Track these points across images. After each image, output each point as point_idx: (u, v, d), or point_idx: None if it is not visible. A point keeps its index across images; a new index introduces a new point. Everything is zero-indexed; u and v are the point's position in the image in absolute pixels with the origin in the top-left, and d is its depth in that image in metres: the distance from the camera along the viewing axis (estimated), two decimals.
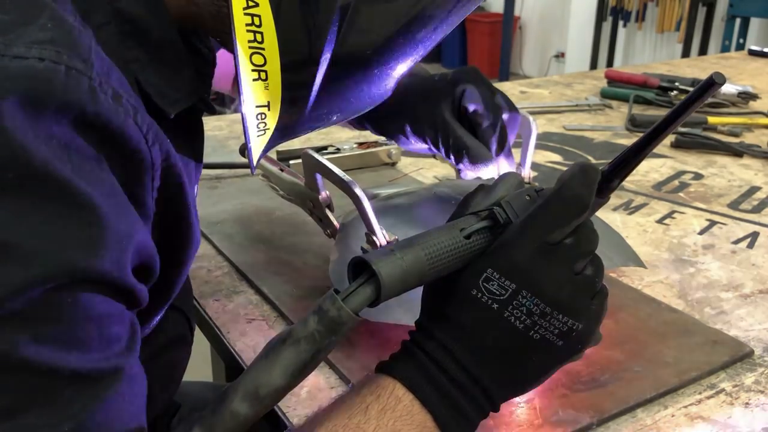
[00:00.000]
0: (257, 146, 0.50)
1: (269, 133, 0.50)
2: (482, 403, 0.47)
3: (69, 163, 0.36)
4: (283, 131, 0.51)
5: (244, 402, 0.45)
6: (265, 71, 0.46)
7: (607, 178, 0.48)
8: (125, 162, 0.39)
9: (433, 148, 0.75)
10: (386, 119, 0.76)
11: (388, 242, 0.66)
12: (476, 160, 0.72)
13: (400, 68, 0.52)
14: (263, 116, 0.48)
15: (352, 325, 0.45)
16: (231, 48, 0.45)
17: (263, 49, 0.45)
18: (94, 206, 0.37)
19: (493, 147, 0.73)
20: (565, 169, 1.16)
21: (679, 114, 0.44)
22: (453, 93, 0.73)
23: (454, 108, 0.73)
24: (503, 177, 0.52)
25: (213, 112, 0.58)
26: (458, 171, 0.76)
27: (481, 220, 0.48)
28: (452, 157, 0.73)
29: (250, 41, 0.44)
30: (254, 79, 0.46)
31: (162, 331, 0.57)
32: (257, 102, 0.47)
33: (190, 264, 0.57)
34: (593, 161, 1.21)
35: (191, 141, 0.56)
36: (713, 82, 0.42)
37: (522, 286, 0.45)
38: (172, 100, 0.48)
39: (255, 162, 0.51)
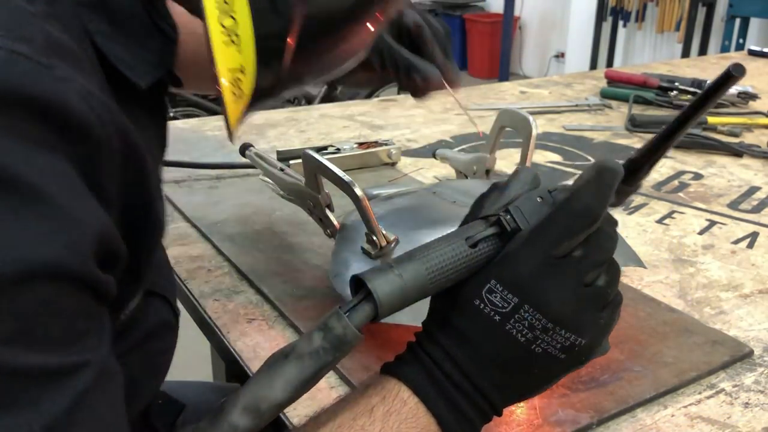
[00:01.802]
0: (234, 112, 0.49)
1: (246, 98, 0.49)
2: (485, 409, 0.47)
3: (17, 153, 0.34)
4: (260, 95, 0.50)
5: (244, 415, 0.44)
6: (237, 34, 0.45)
7: (633, 168, 0.47)
8: (79, 147, 0.37)
9: (381, 72, 0.77)
10: None
11: (388, 242, 0.66)
12: (422, 75, 0.76)
13: (376, 23, 0.52)
14: (238, 81, 0.47)
15: (356, 343, 0.45)
16: (199, 13, 0.44)
17: (234, 11, 0.44)
18: (48, 196, 0.35)
19: (439, 57, 0.77)
20: (564, 169, 1.16)
21: (700, 105, 0.44)
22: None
23: (394, 32, 0.76)
24: (517, 173, 0.50)
25: (179, 84, 0.57)
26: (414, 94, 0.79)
27: (489, 226, 0.47)
28: (401, 77, 0.76)
29: (218, 4, 0.43)
30: (226, 43, 0.45)
31: (144, 319, 0.56)
32: (230, 65, 0.46)
33: (159, 249, 0.56)
34: (593, 161, 1.21)
35: (155, 121, 0.55)
36: (731, 75, 0.42)
37: (524, 300, 0.45)
38: (141, 72, 0.47)
39: (233, 128, 0.50)
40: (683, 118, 0.45)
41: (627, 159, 0.48)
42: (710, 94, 0.44)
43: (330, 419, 0.45)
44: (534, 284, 0.45)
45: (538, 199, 0.48)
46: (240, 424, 0.43)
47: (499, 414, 0.48)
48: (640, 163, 0.47)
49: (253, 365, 0.63)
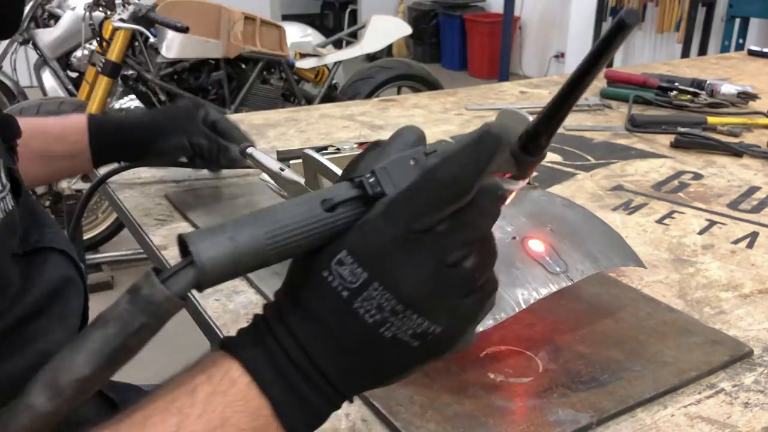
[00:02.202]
0: None
1: None
2: (329, 395, 0.41)
3: None
4: None
5: (42, 394, 0.37)
6: None
7: (534, 135, 0.42)
8: None
9: (199, 158, 0.94)
10: (162, 140, 0.93)
11: None
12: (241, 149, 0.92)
13: None
14: None
15: (170, 308, 0.38)
16: None
17: None
18: None
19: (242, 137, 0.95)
20: (564, 169, 1.16)
21: (595, 61, 0.38)
22: (198, 114, 0.95)
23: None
24: (400, 132, 0.45)
25: None
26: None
27: (353, 188, 0.42)
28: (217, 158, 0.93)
29: None
30: None
31: (43, 276, 0.54)
32: None
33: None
34: (593, 161, 1.21)
35: None
36: (624, 24, 0.36)
37: (374, 277, 0.39)
38: None
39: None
40: (578, 77, 0.39)
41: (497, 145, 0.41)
42: (604, 48, 0.37)
43: (150, 400, 0.40)
44: (386, 259, 0.39)
45: (411, 162, 0.42)
46: (37, 404, 0.37)
47: (350, 400, 0.43)
48: (540, 130, 0.42)
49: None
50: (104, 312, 0.39)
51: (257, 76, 3.04)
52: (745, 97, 1.54)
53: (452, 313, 0.41)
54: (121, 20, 2.65)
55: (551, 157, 1.23)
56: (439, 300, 0.40)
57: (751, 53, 2.19)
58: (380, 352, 0.41)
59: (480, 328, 0.59)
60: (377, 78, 3.31)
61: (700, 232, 0.94)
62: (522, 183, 0.45)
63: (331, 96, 3.27)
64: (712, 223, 0.97)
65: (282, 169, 0.81)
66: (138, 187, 1.04)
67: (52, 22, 3.06)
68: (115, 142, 0.94)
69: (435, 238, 0.40)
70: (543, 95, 1.65)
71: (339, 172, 0.67)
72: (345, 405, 0.58)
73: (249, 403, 0.39)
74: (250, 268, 0.40)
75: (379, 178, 0.41)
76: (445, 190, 0.40)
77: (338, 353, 0.41)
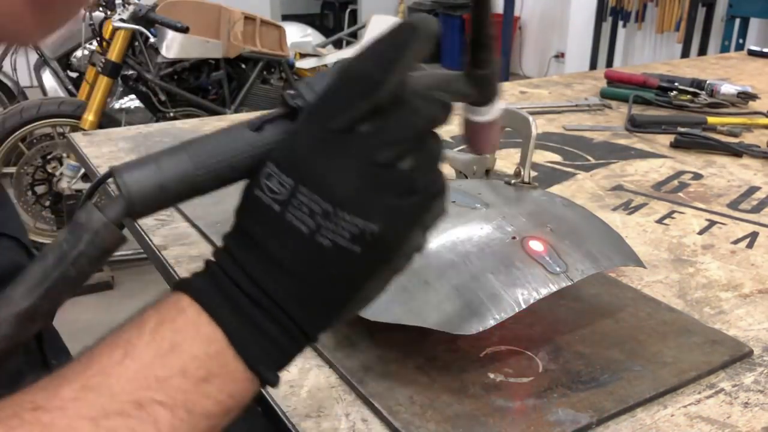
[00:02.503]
0: None
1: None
2: (287, 326, 0.39)
3: None
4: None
5: None
6: None
7: (475, 47, 0.43)
8: None
9: None
10: None
11: None
12: None
13: None
14: None
15: (107, 236, 0.39)
16: None
17: None
18: None
19: None
20: (564, 169, 1.16)
21: None
22: None
23: None
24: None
25: None
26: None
27: (279, 106, 0.41)
28: None
29: None
30: None
31: None
32: None
33: None
34: (593, 161, 1.21)
35: None
36: None
37: (300, 181, 0.38)
38: None
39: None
40: None
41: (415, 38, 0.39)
42: None
43: (99, 341, 0.39)
44: (309, 162, 0.39)
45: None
46: None
47: (312, 338, 0.41)
48: (477, 38, 0.42)
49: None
50: (45, 246, 0.39)
51: (257, 76, 3.04)
52: (745, 97, 1.54)
53: (390, 213, 0.39)
54: (122, 20, 2.65)
55: (551, 157, 1.23)
56: (371, 198, 0.39)
57: (751, 53, 2.19)
58: (324, 265, 0.39)
59: (480, 328, 0.59)
60: None
61: (700, 232, 0.94)
62: (495, 110, 0.45)
63: None
64: (712, 223, 0.97)
65: None
66: None
67: None
68: None
69: (358, 138, 0.39)
70: (543, 95, 1.65)
71: None
72: (345, 405, 0.58)
73: (200, 330, 0.38)
74: (181, 195, 0.41)
75: (301, 91, 0.41)
76: (356, 84, 0.39)
77: (284, 275, 0.39)
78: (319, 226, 0.38)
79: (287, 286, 0.39)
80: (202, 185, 0.42)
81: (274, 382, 0.40)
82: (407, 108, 0.40)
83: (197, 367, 0.38)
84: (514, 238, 0.65)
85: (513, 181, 0.79)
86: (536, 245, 0.65)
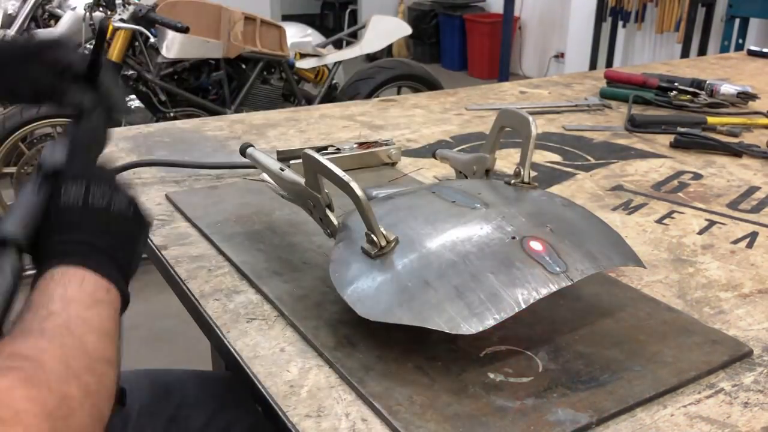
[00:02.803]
0: None
1: None
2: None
3: None
4: None
5: None
6: None
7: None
8: None
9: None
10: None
11: (388, 242, 0.66)
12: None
13: None
14: None
15: None
16: None
17: None
18: None
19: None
20: (564, 169, 1.16)
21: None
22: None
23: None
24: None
25: None
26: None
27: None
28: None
29: None
30: None
31: None
32: None
33: None
34: (593, 161, 1.21)
35: None
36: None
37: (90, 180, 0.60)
38: None
39: None
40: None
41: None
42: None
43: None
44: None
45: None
46: None
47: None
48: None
49: (253, 364, 0.64)
50: None
51: (257, 76, 3.04)
52: (745, 97, 1.54)
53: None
54: (122, 20, 2.65)
55: (551, 157, 1.23)
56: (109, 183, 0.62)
57: (751, 53, 2.19)
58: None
59: (480, 328, 0.59)
60: (377, 78, 3.31)
61: (700, 232, 0.94)
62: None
63: (331, 96, 3.28)
64: (712, 223, 0.97)
65: (282, 169, 0.81)
66: (138, 187, 1.04)
67: (52, 22, 3.06)
68: None
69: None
70: (543, 95, 1.65)
71: (339, 171, 0.67)
72: (345, 405, 0.58)
73: (76, 274, 0.55)
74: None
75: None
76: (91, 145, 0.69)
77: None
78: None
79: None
80: None
81: (125, 291, 0.57)
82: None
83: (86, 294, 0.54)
84: (513, 238, 0.66)
85: (513, 181, 0.79)
86: (536, 245, 0.65)
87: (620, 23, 5.18)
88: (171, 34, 2.76)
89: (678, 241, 0.91)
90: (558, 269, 0.63)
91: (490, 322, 0.60)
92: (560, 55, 5.99)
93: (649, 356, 0.65)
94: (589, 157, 1.24)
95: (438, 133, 1.35)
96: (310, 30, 3.64)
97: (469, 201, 0.71)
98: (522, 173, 0.78)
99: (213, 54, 2.91)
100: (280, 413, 0.58)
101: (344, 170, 0.67)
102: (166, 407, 0.86)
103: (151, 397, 0.87)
